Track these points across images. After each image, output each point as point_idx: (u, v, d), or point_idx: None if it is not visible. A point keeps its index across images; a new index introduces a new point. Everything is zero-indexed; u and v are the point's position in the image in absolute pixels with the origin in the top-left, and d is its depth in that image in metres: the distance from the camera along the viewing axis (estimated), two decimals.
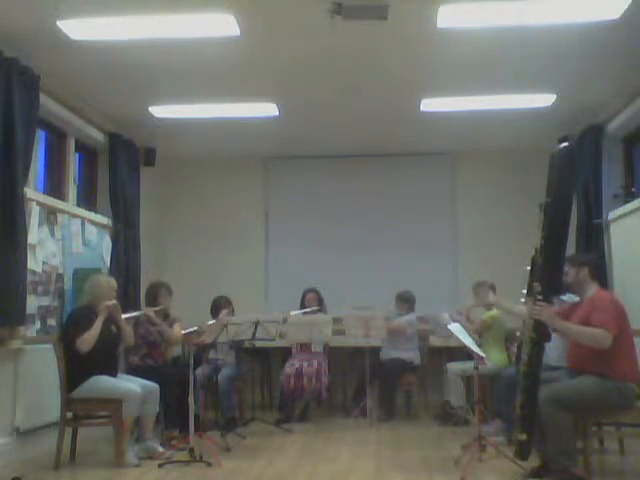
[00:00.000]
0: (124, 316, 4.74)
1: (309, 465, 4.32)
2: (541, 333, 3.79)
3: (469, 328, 5.21)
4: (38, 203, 5.01)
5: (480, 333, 5.50)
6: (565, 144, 4.01)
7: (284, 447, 4.93)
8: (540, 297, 3.76)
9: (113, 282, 4.82)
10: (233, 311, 5.92)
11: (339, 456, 4.61)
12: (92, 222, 5.93)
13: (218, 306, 6.01)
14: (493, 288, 5.68)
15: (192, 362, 4.53)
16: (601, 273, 5.30)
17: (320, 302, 6.34)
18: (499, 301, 5.04)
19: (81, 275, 5.45)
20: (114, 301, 4.61)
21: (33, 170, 4.98)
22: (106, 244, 6.11)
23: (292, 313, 6.04)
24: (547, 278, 3.78)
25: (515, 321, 4.91)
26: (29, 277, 4.69)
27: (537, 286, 3.79)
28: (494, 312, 5.56)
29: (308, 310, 6.14)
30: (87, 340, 4.35)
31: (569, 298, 4.63)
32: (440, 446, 4.88)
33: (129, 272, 6.26)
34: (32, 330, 4.87)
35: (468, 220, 7.43)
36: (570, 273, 4.00)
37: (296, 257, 7.46)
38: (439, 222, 7.49)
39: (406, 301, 6.37)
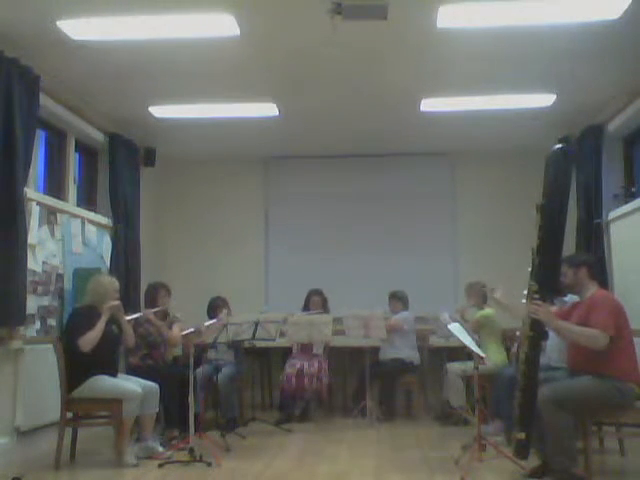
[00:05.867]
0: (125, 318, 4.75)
1: (309, 465, 4.33)
2: (538, 332, 3.80)
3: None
4: (38, 203, 5.01)
5: (476, 332, 5.51)
6: (559, 145, 4.03)
7: (284, 447, 4.93)
8: (537, 296, 3.77)
9: (115, 282, 4.81)
10: (230, 312, 5.91)
11: (339, 456, 4.61)
12: (92, 222, 5.93)
13: (215, 307, 6.02)
14: (484, 289, 5.69)
15: (192, 362, 4.52)
16: (600, 272, 5.30)
17: (324, 304, 6.34)
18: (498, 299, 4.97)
19: (81, 275, 5.45)
20: (118, 302, 4.62)
21: (33, 170, 4.98)
22: (106, 244, 6.11)
23: (295, 316, 6.01)
24: (544, 278, 3.79)
25: (514, 320, 4.91)
26: (29, 277, 4.68)
27: (534, 285, 3.80)
28: (487, 311, 5.59)
29: (312, 313, 6.13)
30: (89, 340, 4.35)
31: (570, 299, 4.64)
32: (440, 446, 4.88)
33: (129, 272, 6.25)
34: (32, 330, 4.87)
35: (468, 220, 7.43)
36: (568, 274, 4.01)
37: (296, 257, 7.45)
38: (439, 222, 7.49)
39: (399, 299, 6.40)
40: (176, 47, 4.62)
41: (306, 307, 6.34)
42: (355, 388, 6.38)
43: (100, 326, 4.42)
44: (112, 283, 4.76)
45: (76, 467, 4.38)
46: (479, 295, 5.68)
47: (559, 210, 3.83)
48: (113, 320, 4.62)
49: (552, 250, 3.78)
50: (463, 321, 5.47)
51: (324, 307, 6.31)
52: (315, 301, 6.33)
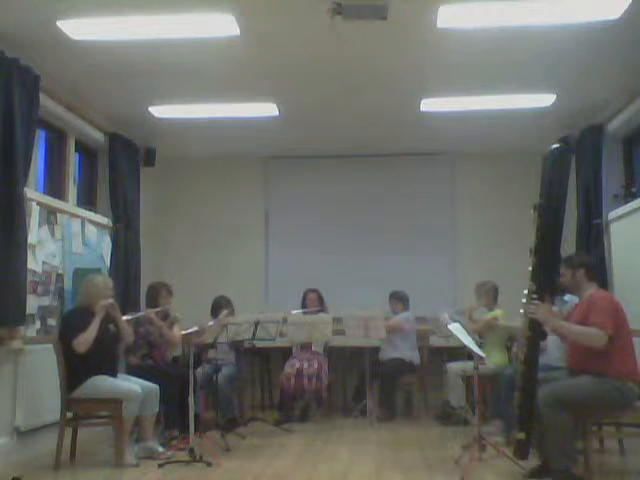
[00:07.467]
0: (125, 318, 4.74)
1: (309, 465, 4.33)
2: (536, 332, 3.80)
3: (472, 328, 5.21)
4: (38, 203, 5.01)
5: (482, 333, 5.50)
6: (556, 145, 4.03)
7: (284, 447, 4.93)
8: (535, 296, 3.77)
9: (109, 281, 4.81)
10: (233, 311, 5.92)
11: (339, 456, 4.61)
12: (92, 222, 5.93)
13: (218, 306, 6.01)
14: (496, 289, 5.69)
15: (192, 362, 4.53)
16: (599, 273, 5.29)
17: (321, 302, 6.35)
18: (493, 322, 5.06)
19: (81, 275, 5.45)
20: (111, 300, 4.60)
21: (33, 170, 4.98)
22: (106, 244, 6.11)
23: (293, 312, 6.04)
24: (542, 278, 3.79)
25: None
26: (29, 277, 4.68)
27: (532, 285, 3.80)
28: (498, 312, 5.56)
29: (309, 310, 6.15)
30: (83, 342, 4.33)
31: (570, 299, 4.64)
32: (440, 446, 4.88)
33: (129, 272, 6.26)
34: (32, 330, 4.87)
35: (468, 220, 7.43)
36: (566, 275, 4.02)
37: (296, 257, 7.46)
38: (439, 222, 7.49)
39: (400, 299, 6.39)
40: (176, 47, 4.62)
41: (303, 305, 6.35)
42: (355, 388, 6.39)
43: (94, 326, 4.40)
44: (105, 282, 4.74)
45: (76, 467, 4.38)
46: (489, 295, 5.66)
47: (556, 210, 3.85)
48: (110, 319, 4.62)
49: (550, 250, 3.79)
50: (471, 321, 5.47)
51: (321, 304, 6.32)
52: (311, 298, 6.34)
